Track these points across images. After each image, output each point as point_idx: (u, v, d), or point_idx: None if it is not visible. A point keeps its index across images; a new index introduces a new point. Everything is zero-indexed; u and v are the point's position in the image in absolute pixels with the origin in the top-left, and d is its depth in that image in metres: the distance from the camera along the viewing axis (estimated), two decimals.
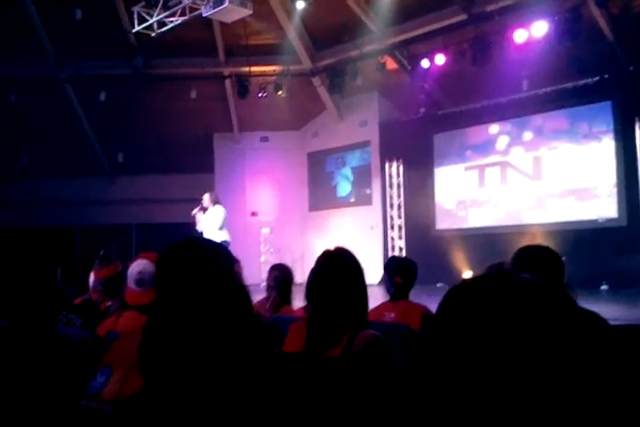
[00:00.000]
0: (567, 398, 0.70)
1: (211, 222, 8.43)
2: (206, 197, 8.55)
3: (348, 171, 14.78)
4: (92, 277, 3.55)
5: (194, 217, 8.46)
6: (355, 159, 14.63)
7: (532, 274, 2.25)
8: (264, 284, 3.89)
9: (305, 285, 3.45)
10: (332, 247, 2.17)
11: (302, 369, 1.91)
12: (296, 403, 1.79)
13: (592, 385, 0.72)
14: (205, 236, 8.36)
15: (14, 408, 1.44)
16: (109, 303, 3.04)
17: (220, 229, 8.46)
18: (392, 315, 3.23)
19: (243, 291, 1.68)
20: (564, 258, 2.25)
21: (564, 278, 2.18)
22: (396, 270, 3.41)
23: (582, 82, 10.66)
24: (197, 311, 1.49)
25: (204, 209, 8.46)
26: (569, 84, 10.78)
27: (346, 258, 2.11)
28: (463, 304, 0.79)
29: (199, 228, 8.42)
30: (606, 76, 10.40)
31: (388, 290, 3.42)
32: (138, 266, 2.60)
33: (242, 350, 1.19)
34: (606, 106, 10.68)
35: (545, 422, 0.69)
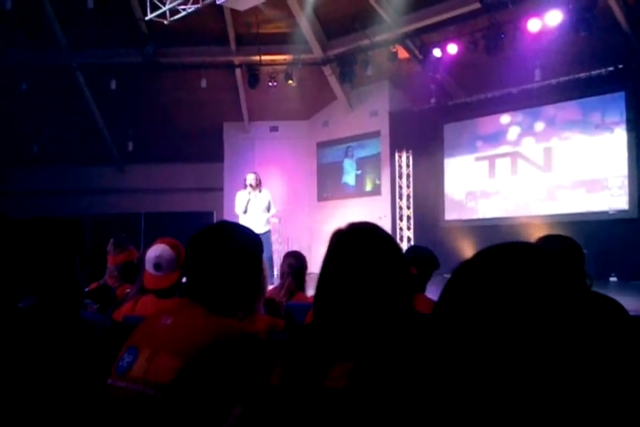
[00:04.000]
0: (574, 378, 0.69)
1: (260, 207, 7.73)
2: (252, 178, 7.79)
3: (356, 161, 14.73)
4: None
5: (248, 194, 7.72)
6: (364, 149, 14.57)
7: None
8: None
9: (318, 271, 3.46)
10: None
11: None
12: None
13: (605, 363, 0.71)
14: (250, 220, 7.56)
15: (34, 389, 1.46)
16: (128, 290, 3.06)
17: (268, 217, 7.82)
18: None
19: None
20: (585, 251, 2.25)
21: (583, 268, 2.19)
22: (411, 260, 3.34)
23: (596, 72, 10.54)
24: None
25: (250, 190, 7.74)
26: (582, 75, 10.67)
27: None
28: (479, 271, 0.78)
29: (238, 211, 7.70)
30: (620, 66, 10.28)
31: None
32: (155, 250, 2.61)
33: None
34: (619, 97, 10.59)
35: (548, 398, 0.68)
